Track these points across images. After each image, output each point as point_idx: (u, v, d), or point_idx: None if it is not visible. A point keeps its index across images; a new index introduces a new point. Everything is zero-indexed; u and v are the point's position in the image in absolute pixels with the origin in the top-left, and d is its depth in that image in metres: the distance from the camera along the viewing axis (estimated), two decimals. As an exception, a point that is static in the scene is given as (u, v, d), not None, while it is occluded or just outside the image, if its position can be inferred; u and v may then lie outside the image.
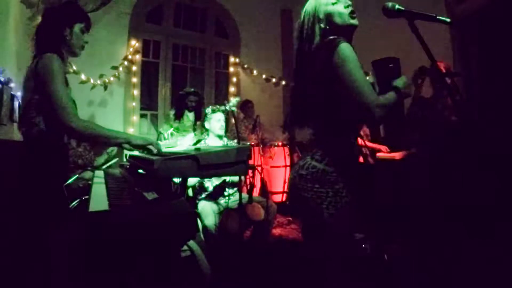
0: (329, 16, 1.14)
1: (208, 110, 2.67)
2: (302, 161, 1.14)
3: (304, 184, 1.10)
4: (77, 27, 1.45)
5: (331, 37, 1.10)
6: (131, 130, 4.24)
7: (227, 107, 2.58)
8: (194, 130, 3.61)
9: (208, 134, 2.69)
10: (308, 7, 1.18)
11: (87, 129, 1.28)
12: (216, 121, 2.61)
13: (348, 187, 1.08)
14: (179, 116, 3.65)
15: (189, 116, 3.70)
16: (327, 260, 1.11)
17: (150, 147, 1.37)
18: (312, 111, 1.15)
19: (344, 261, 1.10)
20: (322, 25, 1.13)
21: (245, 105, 4.59)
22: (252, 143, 3.98)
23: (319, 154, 1.10)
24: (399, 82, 1.10)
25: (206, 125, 2.66)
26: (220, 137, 2.65)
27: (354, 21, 1.14)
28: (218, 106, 2.67)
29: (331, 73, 1.03)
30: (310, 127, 1.20)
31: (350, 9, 1.15)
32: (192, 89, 3.71)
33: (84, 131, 1.28)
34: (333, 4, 1.14)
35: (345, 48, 1.02)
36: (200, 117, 3.67)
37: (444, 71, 2.51)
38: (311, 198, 1.08)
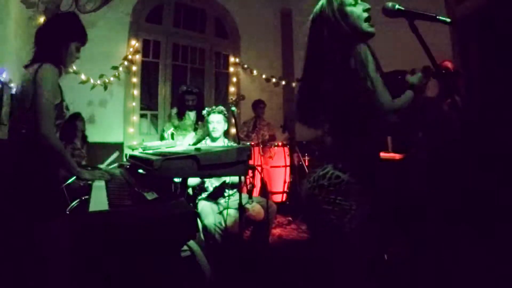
0: (345, 17, 1.06)
1: (204, 112, 2.66)
2: (321, 170, 1.05)
3: (325, 195, 1.02)
4: (73, 45, 1.52)
5: (349, 39, 1.04)
6: (131, 130, 4.24)
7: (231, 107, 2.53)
8: (195, 129, 3.59)
9: (209, 135, 2.69)
10: (325, 3, 1.10)
11: (56, 145, 1.39)
12: (210, 123, 2.58)
13: (372, 199, 1.02)
14: (181, 115, 3.64)
15: (190, 115, 3.68)
16: (340, 266, 1.06)
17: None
18: (326, 110, 1.09)
19: (359, 268, 1.05)
20: (341, 24, 1.05)
21: (257, 105, 4.50)
22: (252, 143, 3.97)
23: (343, 163, 1.02)
24: (414, 78, 1.11)
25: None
26: (214, 139, 2.61)
27: (371, 29, 1.08)
28: (214, 107, 2.63)
29: (349, 74, 1.00)
30: (320, 128, 1.12)
31: (368, 14, 1.08)
32: (186, 88, 3.64)
33: (54, 145, 1.38)
34: (352, 5, 1.08)
35: (364, 50, 1.00)
36: (201, 116, 3.66)
37: (452, 70, 2.51)
38: (333, 210, 1.00)
